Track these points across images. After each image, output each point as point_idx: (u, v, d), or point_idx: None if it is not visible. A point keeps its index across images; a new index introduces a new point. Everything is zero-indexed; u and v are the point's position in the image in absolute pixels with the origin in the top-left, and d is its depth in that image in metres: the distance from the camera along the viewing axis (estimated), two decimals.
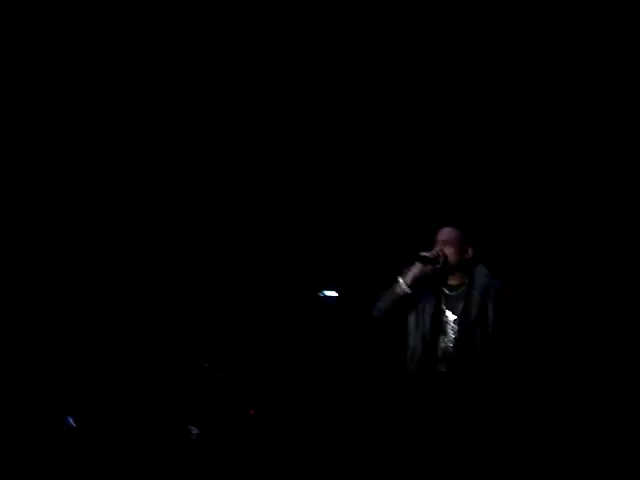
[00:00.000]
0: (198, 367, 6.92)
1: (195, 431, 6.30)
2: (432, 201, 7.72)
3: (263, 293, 7.87)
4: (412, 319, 5.18)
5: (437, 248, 5.14)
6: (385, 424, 6.17)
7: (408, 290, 5.09)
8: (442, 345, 5.08)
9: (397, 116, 7.78)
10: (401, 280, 5.12)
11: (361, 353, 7.61)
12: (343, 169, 8.02)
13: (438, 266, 5.08)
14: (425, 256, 5.06)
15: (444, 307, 5.14)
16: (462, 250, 5.17)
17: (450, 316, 5.11)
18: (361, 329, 7.32)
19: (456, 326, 5.06)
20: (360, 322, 7.00)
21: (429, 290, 5.16)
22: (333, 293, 7.88)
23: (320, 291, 7.88)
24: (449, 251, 5.13)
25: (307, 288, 7.87)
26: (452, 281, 5.18)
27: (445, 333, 5.09)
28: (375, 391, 7.18)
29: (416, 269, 5.09)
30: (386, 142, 7.89)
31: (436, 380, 5.03)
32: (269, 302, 7.84)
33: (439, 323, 5.10)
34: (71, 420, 6.58)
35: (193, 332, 7.53)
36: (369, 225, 8.01)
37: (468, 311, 5.05)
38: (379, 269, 6.70)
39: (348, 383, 7.54)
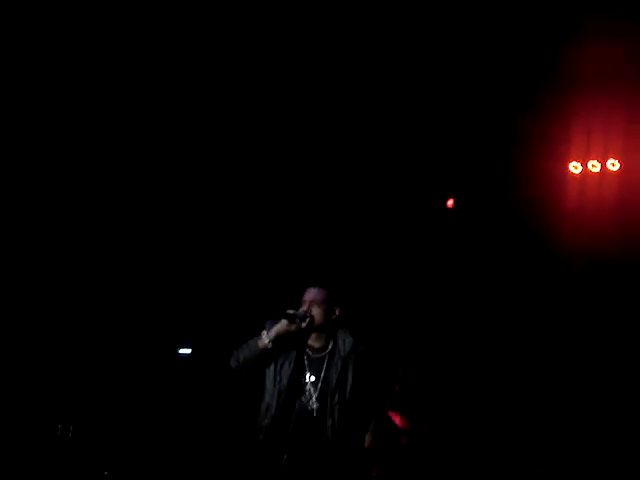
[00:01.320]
0: (51, 428, 6.69)
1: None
2: (298, 261, 7.80)
3: (119, 350, 7.73)
4: (270, 374, 5.13)
5: (304, 307, 5.10)
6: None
7: (270, 345, 5.04)
8: (297, 405, 5.05)
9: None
10: (264, 334, 5.06)
11: (216, 407, 7.59)
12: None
13: (304, 325, 5.04)
14: (292, 314, 5.03)
15: (305, 368, 5.10)
16: (329, 311, 5.15)
17: (309, 378, 5.09)
18: (216, 382, 7.29)
19: (315, 388, 5.05)
20: (216, 374, 7.01)
21: (291, 348, 5.12)
22: (187, 350, 7.67)
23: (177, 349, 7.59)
24: (316, 311, 5.10)
25: (163, 345, 7.79)
26: (315, 342, 5.16)
27: (302, 394, 5.07)
28: (226, 448, 7.10)
29: (281, 326, 5.04)
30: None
31: (288, 439, 4.99)
32: (124, 359, 7.71)
33: (298, 383, 5.07)
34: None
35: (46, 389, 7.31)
36: (233, 280, 8.03)
37: (328, 376, 5.06)
38: (239, 324, 6.61)
39: (200, 440, 7.46)
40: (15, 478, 6.35)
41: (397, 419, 6.81)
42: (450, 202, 8.30)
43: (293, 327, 5.03)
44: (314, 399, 5.04)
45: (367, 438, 5.10)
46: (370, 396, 5.14)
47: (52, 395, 7.21)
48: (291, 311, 5.04)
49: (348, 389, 5.05)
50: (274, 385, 5.10)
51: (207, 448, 7.35)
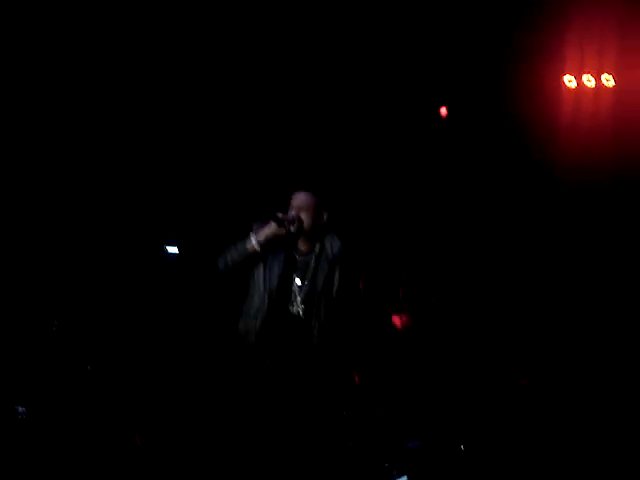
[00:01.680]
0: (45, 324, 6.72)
1: (21, 409, 6.10)
2: (288, 164, 7.80)
3: (104, 248, 7.76)
4: (260, 277, 5.17)
5: (293, 212, 5.11)
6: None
7: (258, 248, 5.09)
8: (287, 308, 5.11)
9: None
10: (253, 237, 5.10)
11: (202, 309, 7.63)
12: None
13: (292, 229, 5.07)
14: (280, 218, 5.05)
15: (292, 271, 5.14)
16: (317, 216, 5.17)
17: (297, 281, 5.14)
18: (203, 282, 7.33)
19: (301, 291, 5.11)
20: (202, 275, 7.06)
21: (279, 252, 5.15)
22: (174, 249, 7.69)
23: (163, 246, 7.68)
24: (304, 216, 5.12)
25: (149, 242, 7.80)
26: (303, 246, 5.19)
27: (290, 297, 5.13)
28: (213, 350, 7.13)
29: (269, 229, 5.07)
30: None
31: (275, 342, 5.07)
32: (110, 256, 7.73)
33: (286, 286, 5.12)
34: None
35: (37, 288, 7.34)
36: (221, 180, 8.04)
37: (315, 279, 5.11)
38: (226, 223, 6.80)
39: (188, 342, 7.52)
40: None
41: (398, 321, 6.94)
42: (443, 110, 8.34)
43: (282, 231, 5.06)
44: (300, 302, 5.12)
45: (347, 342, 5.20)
46: (357, 299, 5.22)
47: (39, 288, 7.25)
48: (280, 215, 5.07)
49: (334, 292, 5.12)
50: (263, 288, 5.16)
51: (193, 348, 7.38)
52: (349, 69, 8.10)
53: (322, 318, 5.08)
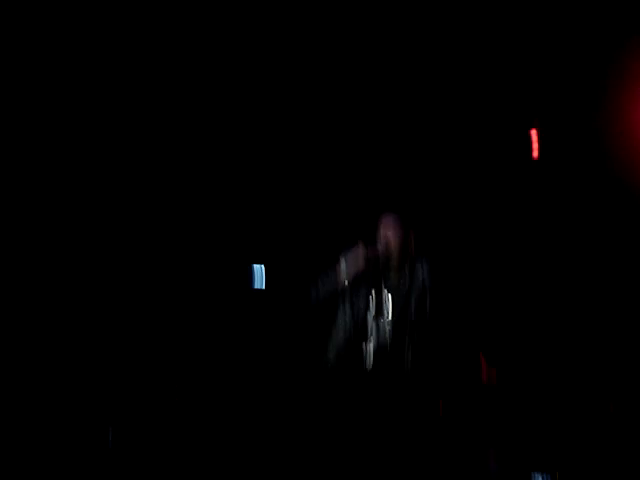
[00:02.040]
0: None
1: None
2: (376, 190, 7.48)
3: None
4: (347, 309, 5.15)
5: (380, 241, 5.09)
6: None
7: (348, 280, 5.07)
8: (374, 340, 5.08)
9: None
10: (341, 271, 5.08)
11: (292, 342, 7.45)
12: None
13: (379, 256, 5.05)
14: (366, 246, 5.05)
15: (382, 300, 5.12)
16: (404, 239, 5.12)
17: (385, 312, 5.10)
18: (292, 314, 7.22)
19: (390, 323, 5.07)
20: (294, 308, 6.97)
21: (369, 281, 5.10)
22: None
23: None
24: (391, 241, 5.08)
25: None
26: (393, 273, 5.13)
27: (379, 329, 5.10)
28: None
29: (357, 263, 5.06)
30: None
31: (365, 373, 5.06)
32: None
33: (375, 317, 5.09)
34: None
35: None
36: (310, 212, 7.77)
37: (404, 311, 5.06)
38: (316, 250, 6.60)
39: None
40: None
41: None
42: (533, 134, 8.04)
43: (369, 264, 5.04)
44: (389, 334, 5.06)
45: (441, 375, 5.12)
46: (448, 332, 5.11)
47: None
48: (366, 249, 5.06)
49: (423, 325, 5.04)
50: (353, 317, 5.13)
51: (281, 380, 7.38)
52: (436, 92, 7.88)
53: (411, 350, 5.03)
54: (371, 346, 5.09)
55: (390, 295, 5.10)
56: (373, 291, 5.09)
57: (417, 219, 5.27)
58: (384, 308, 5.10)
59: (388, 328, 5.09)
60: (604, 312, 7.62)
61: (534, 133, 7.99)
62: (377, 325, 5.11)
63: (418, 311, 5.05)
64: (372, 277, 5.09)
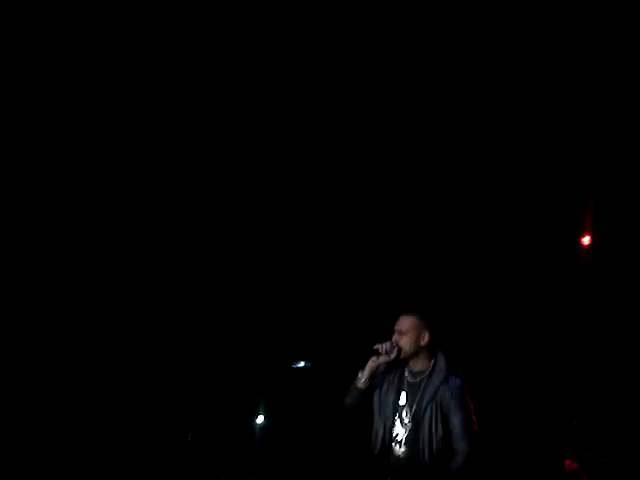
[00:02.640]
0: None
1: None
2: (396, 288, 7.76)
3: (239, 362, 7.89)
4: (376, 403, 5.32)
5: (393, 338, 5.25)
6: None
7: (364, 385, 5.24)
8: (401, 431, 5.20)
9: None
10: (360, 375, 5.25)
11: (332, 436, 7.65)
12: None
13: (392, 357, 5.20)
14: (378, 349, 5.20)
15: (404, 393, 5.27)
16: (418, 337, 5.26)
17: (406, 402, 5.24)
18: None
19: (409, 412, 5.20)
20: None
21: (393, 373, 5.32)
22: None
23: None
24: (404, 340, 5.24)
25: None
26: (414, 366, 5.30)
27: (402, 419, 5.22)
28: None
29: (371, 362, 5.24)
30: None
31: (395, 465, 5.16)
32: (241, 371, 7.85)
33: (398, 408, 5.24)
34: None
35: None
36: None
37: (421, 401, 5.19)
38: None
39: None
40: None
41: (567, 464, 6.76)
42: (586, 240, 7.92)
43: (382, 360, 5.21)
44: (408, 423, 5.19)
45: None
46: (459, 425, 5.11)
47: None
48: (377, 346, 5.21)
49: (438, 416, 5.10)
50: (379, 413, 5.29)
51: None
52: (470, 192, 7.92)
53: (427, 441, 5.10)
54: (400, 433, 5.20)
55: (410, 385, 5.26)
56: (396, 382, 5.29)
57: (434, 315, 5.39)
58: (402, 397, 5.26)
59: (405, 418, 5.22)
60: None
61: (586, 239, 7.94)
62: (401, 414, 5.24)
63: (431, 404, 5.13)
64: (395, 369, 5.30)
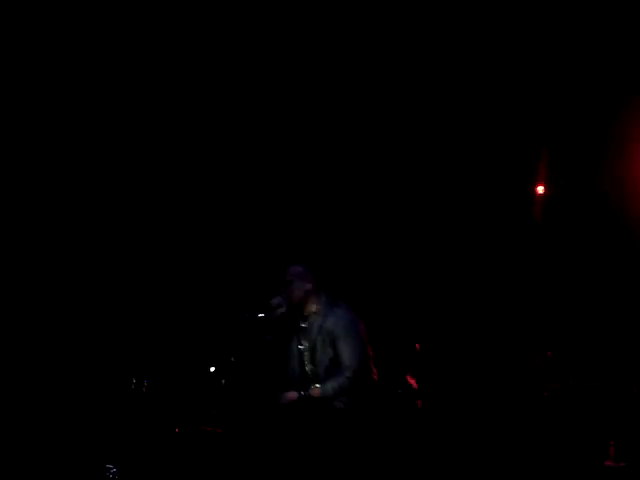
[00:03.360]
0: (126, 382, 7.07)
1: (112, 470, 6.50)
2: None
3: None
4: (285, 345, 5.90)
5: (283, 290, 5.77)
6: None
7: (270, 336, 5.87)
8: (300, 369, 5.81)
9: None
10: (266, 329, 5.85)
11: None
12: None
13: (283, 309, 5.76)
14: (270, 304, 5.77)
15: (300, 336, 5.83)
16: (304, 285, 5.76)
17: (303, 345, 5.81)
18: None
19: (308, 354, 5.77)
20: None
21: (292, 325, 5.86)
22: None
23: None
24: (292, 289, 5.75)
25: None
26: (305, 311, 5.82)
27: (302, 359, 5.81)
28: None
29: (269, 316, 5.79)
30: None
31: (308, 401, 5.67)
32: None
33: (299, 350, 5.83)
34: None
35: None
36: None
37: (314, 342, 5.75)
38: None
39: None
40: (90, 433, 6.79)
41: (414, 382, 7.18)
42: (540, 189, 8.27)
43: (278, 312, 5.78)
44: (308, 363, 5.76)
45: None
46: (343, 352, 5.62)
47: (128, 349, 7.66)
48: (270, 302, 5.78)
49: (328, 353, 5.65)
50: (290, 356, 5.87)
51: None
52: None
53: (323, 377, 5.66)
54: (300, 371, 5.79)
55: (303, 330, 5.80)
56: (294, 330, 5.84)
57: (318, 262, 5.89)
58: (300, 340, 5.81)
59: (305, 357, 5.79)
60: None
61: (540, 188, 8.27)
62: (300, 355, 5.81)
63: (320, 343, 5.68)
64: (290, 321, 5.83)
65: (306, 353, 5.76)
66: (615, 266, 8.19)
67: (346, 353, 5.59)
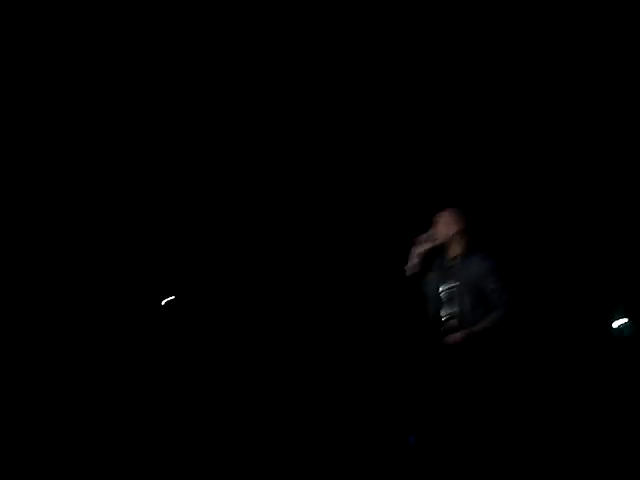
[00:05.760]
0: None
1: None
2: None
3: None
4: (427, 285, 6.15)
5: (430, 230, 6.10)
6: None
7: (415, 269, 6.06)
8: (449, 309, 6.03)
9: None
10: (409, 263, 6.08)
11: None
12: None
13: (429, 245, 6.03)
14: (419, 239, 6.04)
15: (444, 277, 6.10)
16: (449, 226, 6.07)
17: (449, 284, 6.07)
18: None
19: (454, 293, 6.01)
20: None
21: (437, 263, 6.15)
22: None
23: None
24: (439, 229, 6.06)
25: None
26: (450, 252, 6.12)
27: (444, 299, 6.07)
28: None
29: (417, 251, 6.04)
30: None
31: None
32: None
33: (441, 290, 6.10)
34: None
35: None
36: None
37: (460, 282, 6.00)
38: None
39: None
40: None
41: None
42: None
43: (424, 248, 6.04)
44: (454, 304, 6.01)
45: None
46: (491, 295, 5.91)
47: None
48: (419, 237, 6.07)
49: (473, 294, 5.93)
50: (433, 296, 6.11)
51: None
52: None
53: (470, 319, 5.88)
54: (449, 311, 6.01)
55: (449, 269, 6.06)
56: (438, 270, 6.09)
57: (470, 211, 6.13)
58: (446, 281, 6.04)
59: (448, 297, 6.03)
60: None
61: None
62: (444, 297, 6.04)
63: (466, 284, 5.95)
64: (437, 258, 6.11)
65: (452, 293, 5.96)
66: None
67: (495, 293, 5.84)
